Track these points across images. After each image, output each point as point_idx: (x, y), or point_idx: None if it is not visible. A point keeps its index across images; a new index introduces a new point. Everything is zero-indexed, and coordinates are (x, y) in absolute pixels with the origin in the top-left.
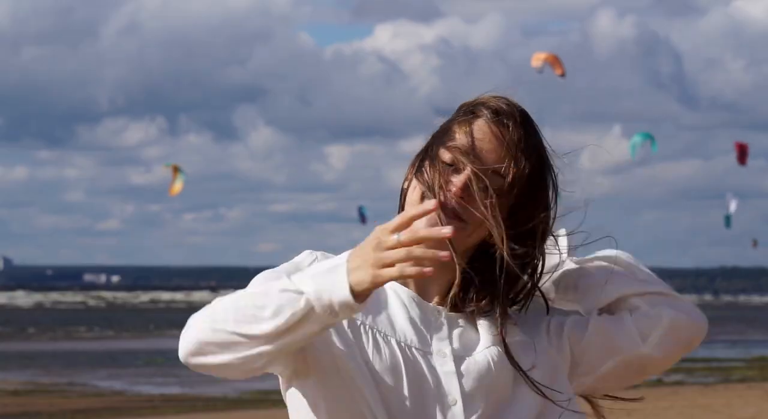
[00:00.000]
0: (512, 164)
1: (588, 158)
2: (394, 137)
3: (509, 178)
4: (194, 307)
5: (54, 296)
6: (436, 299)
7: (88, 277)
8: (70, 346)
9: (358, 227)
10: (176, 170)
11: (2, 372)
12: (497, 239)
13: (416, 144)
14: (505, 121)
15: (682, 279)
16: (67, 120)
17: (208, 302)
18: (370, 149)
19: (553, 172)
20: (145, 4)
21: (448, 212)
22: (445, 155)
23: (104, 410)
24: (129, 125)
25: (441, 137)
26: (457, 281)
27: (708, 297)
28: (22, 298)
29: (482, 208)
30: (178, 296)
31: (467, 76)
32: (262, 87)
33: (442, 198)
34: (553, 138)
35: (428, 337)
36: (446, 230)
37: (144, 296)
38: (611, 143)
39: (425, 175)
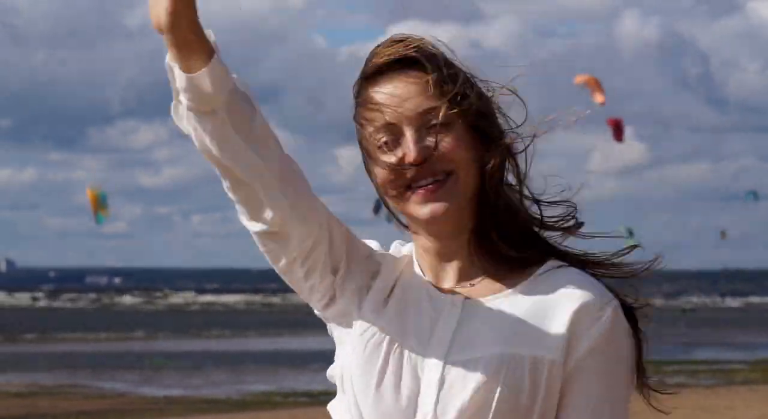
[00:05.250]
0: (437, 92)
1: (599, 159)
2: None
3: (444, 106)
4: (196, 309)
5: (56, 297)
6: (452, 283)
7: (90, 279)
8: (73, 348)
9: (365, 229)
10: (95, 199)
11: (5, 373)
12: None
13: None
14: (406, 68)
15: (687, 281)
16: (77, 122)
17: (211, 303)
18: None
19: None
20: None
21: (425, 173)
22: (376, 136)
23: (108, 412)
24: (139, 127)
25: (358, 122)
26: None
27: (712, 299)
28: (24, 299)
29: (446, 145)
30: (180, 297)
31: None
32: (274, 89)
33: (408, 174)
34: (562, 138)
35: (429, 335)
36: (438, 208)
37: (147, 298)
38: (622, 144)
39: (372, 176)
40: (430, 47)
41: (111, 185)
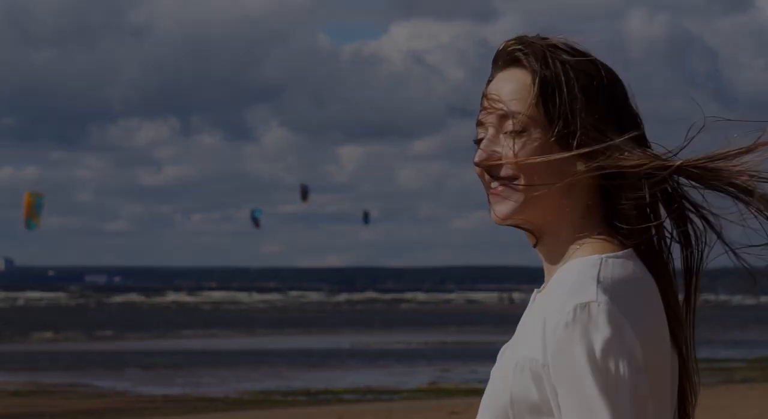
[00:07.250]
0: (526, 95)
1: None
2: (408, 137)
3: (519, 113)
4: (195, 308)
5: (54, 296)
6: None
7: (89, 278)
8: (72, 347)
9: (365, 229)
10: (30, 205)
11: (4, 372)
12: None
13: (429, 144)
14: (511, 65)
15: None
16: (79, 120)
17: (210, 302)
18: (383, 150)
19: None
20: (159, 3)
21: (492, 177)
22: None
23: (106, 410)
24: (141, 125)
25: None
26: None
27: (709, 297)
28: (22, 299)
29: (510, 152)
30: (180, 296)
31: (484, 76)
32: (277, 87)
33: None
34: None
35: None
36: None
37: (146, 297)
38: None
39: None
40: (539, 46)
41: (112, 183)
